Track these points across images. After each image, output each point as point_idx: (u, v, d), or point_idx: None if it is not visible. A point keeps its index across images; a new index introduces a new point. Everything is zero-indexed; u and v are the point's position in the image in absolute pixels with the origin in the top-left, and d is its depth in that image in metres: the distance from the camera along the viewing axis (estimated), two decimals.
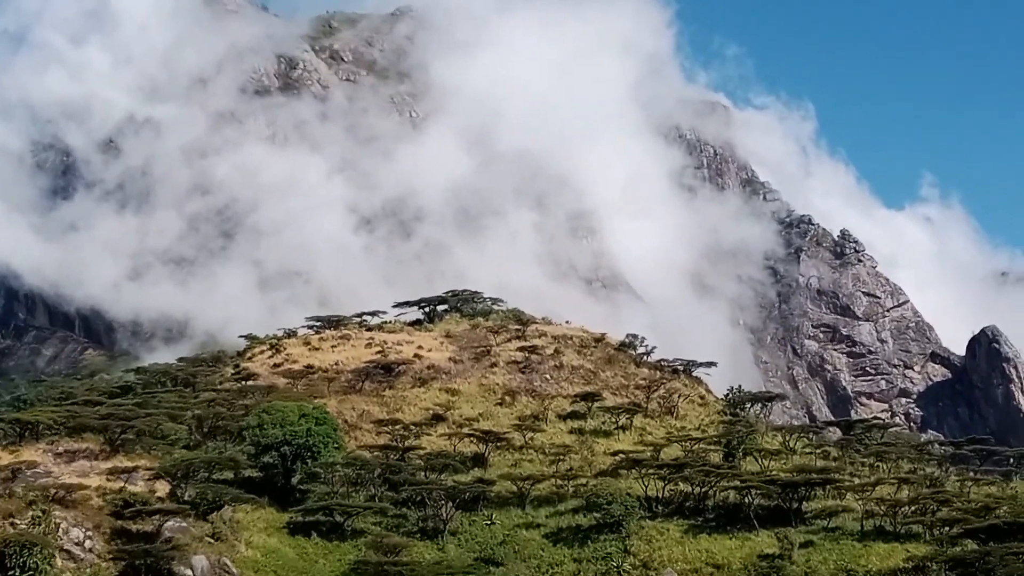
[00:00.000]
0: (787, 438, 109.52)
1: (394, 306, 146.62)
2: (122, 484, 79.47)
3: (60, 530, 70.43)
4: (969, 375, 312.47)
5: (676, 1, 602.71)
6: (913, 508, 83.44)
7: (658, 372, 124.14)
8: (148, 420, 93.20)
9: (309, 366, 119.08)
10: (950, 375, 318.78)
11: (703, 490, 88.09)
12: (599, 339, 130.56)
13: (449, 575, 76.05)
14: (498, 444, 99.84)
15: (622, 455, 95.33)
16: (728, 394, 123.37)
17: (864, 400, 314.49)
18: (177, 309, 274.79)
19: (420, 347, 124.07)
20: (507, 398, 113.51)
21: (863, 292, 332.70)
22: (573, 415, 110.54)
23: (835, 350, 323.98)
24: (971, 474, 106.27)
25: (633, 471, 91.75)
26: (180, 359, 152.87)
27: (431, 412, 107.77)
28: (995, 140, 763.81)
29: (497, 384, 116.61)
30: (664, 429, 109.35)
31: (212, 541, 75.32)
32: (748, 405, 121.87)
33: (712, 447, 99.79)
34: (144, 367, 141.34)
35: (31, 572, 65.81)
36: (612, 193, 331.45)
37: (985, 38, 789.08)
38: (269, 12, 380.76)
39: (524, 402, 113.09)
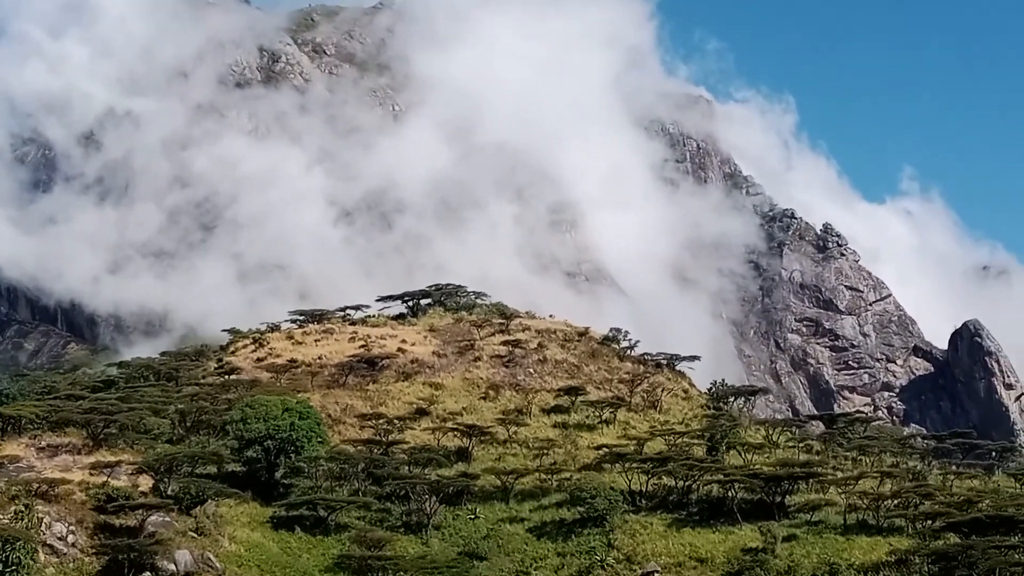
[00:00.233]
0: (770, 432, 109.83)
1: (377, 300, 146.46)
2: (105, 479, 79.18)
3: (43, 525, 70.30)
4: (951, 369, 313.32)
5: None
6: (896, 502, 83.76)
7: (641, 366, 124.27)
8: (131, 414, 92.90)
9: (292, 360, 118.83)
10: (932, 369, 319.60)
11: (687, 484, 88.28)
12: (583, 333, 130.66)
13: (433, 569, 76.03)
14: (482, 438, 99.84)
15: (606, 449, 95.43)
16: (711, 388, 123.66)
17: (847, 394, 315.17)
18: (156, 302, 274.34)
19: (404, 341, 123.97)
20: (491, 392, 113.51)
21: (846, 286, 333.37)
22: (557, 409, 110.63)
23: (818, 344, 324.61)
24: (954, 468, 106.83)
25: (617, 465, 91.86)
26: (163, 353, 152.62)
27: (415, 406, 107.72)
28: (974, 133, 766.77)
29: (481, 378, 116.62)
30: (648, 423, 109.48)
31: (195, 536, 75.16)
32: (731, 399, 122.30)
33: (695, 441, 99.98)
34: (127, 361, 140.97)
35: (14, 567, 65.58)
36: (593, 186, 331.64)
37: (964, 32, 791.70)
38: (249, 4, 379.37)
39: (508, 396, 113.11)
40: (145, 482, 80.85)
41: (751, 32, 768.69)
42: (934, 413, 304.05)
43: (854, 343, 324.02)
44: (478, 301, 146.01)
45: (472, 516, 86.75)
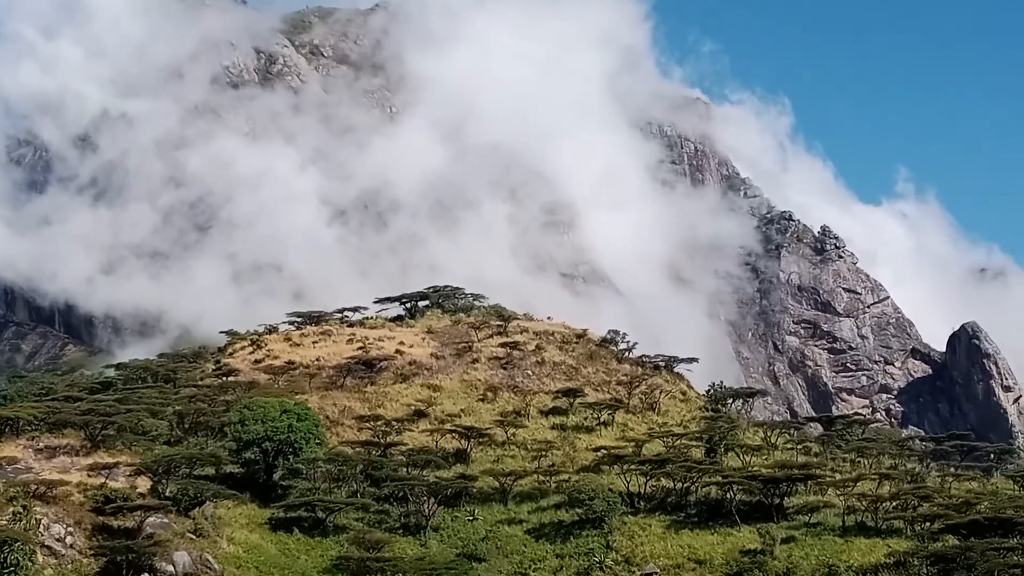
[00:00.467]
0: (768, 434, 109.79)
1: (375, 302, 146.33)
2: (103, 480, 79.16)
3: (41, 526, 70.27)
4: (949, 371, 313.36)
5: None
6: (894, 504, 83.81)
7: (640, 368, 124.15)
8: (129, 416, 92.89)
9: (290, 362, 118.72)
10: (930, 371, 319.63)
11: (685, 486, 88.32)
12: (581, 335, 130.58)
13: (432, 571, 75.96)
14: (480, 440, 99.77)
15: (604, 451, 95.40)
16: (710, 390, 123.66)
17: (845, 396, 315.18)
18: (151, 303, 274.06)
19: (402, 343, 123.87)
20: (489, 394, 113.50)
21: (844, 288, 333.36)
22: (555, 411, 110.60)
23: (816, 346, 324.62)
24: (952, 470, 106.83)
25: (615, 467, 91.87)
26: (161, 355, 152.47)
27: (413, 408, 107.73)
28: (969, 134, 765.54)
29: (479, 380, 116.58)
30: (646, 425, 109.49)
31: (194, 537, 75.14)
32: (730, 401, 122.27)
33: (694, 443, 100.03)
34: (125, 363, 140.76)
35: (12, 568, 65.54)
36: (588, 186, 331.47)
37: (958, 33, 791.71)
38: (245, 4, 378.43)
39: (506, 398, 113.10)
40: (143, 483, 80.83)
41: (746, 33, 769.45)
42: (932, 415, 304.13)
43: (852, 345, 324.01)
44: (476, 303, 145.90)
45: (470, 518, 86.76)
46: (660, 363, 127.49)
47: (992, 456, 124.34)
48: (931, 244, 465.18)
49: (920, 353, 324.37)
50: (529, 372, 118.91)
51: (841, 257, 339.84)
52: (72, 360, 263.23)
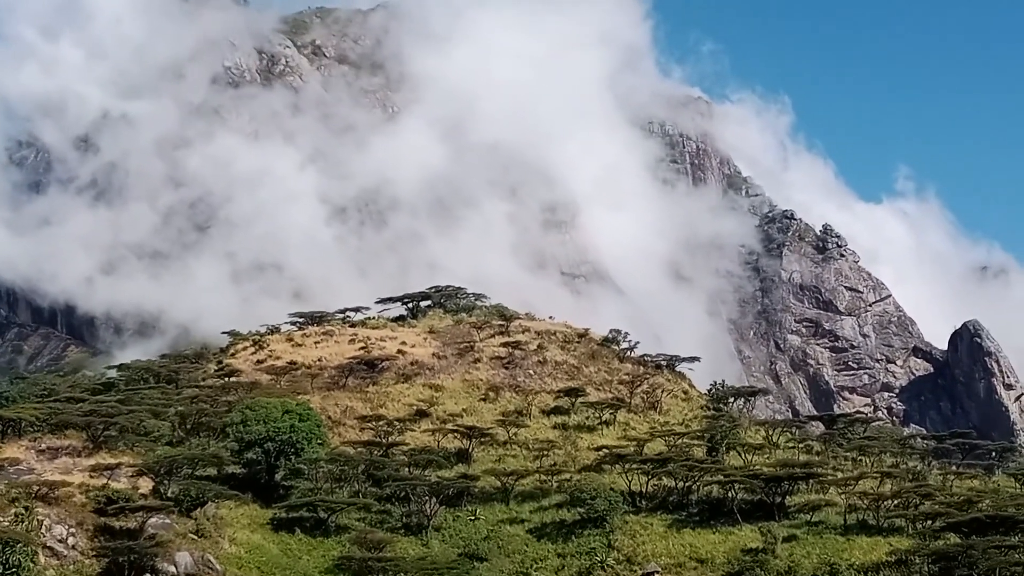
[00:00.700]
0: (770, 433, 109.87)
1: (377, 302, 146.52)
2: (105, 481, 79.17)
3: (43, 527, 70.30)
4: (951, 369, 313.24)
5: None
6: (896, 502, 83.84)
7: (641, 367, 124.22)
8: (131, 417, 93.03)
9: (292, 362, 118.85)
10: (932, 369, 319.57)
11: (687, 485, 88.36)
12: (582, 334, 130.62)
13: (433, 570, 76.00)
14: (482, 440, 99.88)
15: (606, 450, 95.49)
16: (711, 389, 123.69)
17: (847, 394, 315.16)
18: (150, 303, 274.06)
19: (403, 343, 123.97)
20: (491, 394, 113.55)
21: (845, 287, 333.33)
22: (557, 410, 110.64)
23: (818, 345, 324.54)
24: (953, 468, 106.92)
25: (617, 466, 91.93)
26: (163, 356, 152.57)
27: (415, 408, 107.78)
28: (969, 132, 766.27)
29: (481, 380, 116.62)
30: (648, 424, 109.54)
31: (195, 538, 75.21)
32: (731, 400, 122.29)
33: (695, 442, 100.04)
34: (127, 364, 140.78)
35: (14, 569, 65.56)
36: (588, 185, 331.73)
37: (958, 31, 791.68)
38: (245, 4, 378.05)
39: (508, 398, 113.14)
40: (145, 484, 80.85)
41: (746, 32, 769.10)
42: (934, 413, 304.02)
43: (854, 344, 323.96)
44: (478, 303, 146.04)
45: (472, 517, 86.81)
46: (662, 362, 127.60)
47: (993, 454, 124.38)
48: (932, 242, 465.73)
49: (922, 351, 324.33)
50: (531, 372, 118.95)
51: (843, 256, 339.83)
52: (74, 361, 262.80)
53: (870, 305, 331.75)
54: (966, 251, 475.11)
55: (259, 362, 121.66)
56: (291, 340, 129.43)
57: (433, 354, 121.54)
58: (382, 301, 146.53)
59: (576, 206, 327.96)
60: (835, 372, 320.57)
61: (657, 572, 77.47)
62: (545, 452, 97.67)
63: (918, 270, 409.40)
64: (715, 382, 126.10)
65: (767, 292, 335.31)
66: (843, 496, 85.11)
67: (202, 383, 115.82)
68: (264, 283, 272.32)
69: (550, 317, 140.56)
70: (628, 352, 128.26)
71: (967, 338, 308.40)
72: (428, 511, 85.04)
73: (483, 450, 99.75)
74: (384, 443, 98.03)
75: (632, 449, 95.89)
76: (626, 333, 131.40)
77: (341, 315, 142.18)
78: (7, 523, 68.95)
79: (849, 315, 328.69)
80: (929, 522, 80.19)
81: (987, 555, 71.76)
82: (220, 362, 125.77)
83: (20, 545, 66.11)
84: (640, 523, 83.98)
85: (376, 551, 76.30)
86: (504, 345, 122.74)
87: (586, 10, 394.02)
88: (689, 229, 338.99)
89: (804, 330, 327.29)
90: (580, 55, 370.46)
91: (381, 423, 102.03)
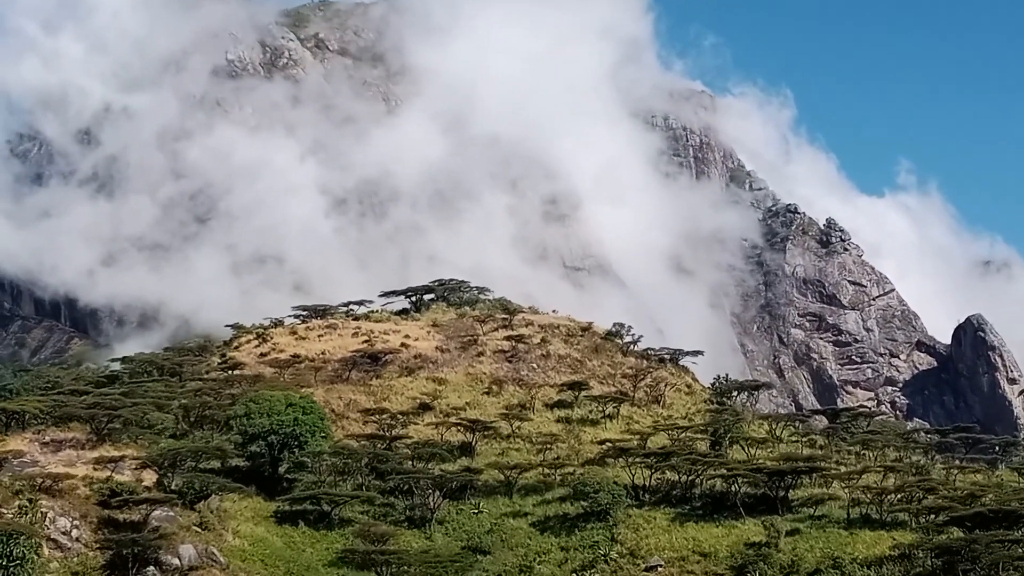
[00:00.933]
0: (773, 427, 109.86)
1: (380, 295, 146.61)
2: (109, 473, 79.27)
3: (47, 519, 70.36)
4: (955, 363, 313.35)
5: None
6: (899, 496, 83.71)
7: (645, 361, 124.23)
8: (135, 409, 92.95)
9: (296, 355, 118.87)
10: (936, 364, 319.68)
11: (690, 478, 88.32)
12: (586, 328, 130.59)
13: (437, 563, 76.12)
14: (485, 433, 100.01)
15: (609, 444, 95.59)
16: (715, 383, 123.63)
17: (850, 388, 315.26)
18: (151, 294, 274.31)
19: (407, 336, 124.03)
20: (494, 387, 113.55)
21: (849, 281, 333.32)
22: (560, 404, 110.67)
23: (821, 339, 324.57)
24: (957, 462, 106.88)
25: (620, 460, 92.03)
26: (166, 348, 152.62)
27: (418, 401, 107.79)
28: (971, 126, 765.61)
29: (484, 373, 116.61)
30: (651, 418, 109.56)
31: (199, 530, 75.26)
32: (734, 394, 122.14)
33: (699, 436, 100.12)
34: (130, 356, 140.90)
35: (18, 561, 65.60)
36: (589, 178, 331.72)
37: (959, 23, 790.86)
38: None
39: (511, 391, 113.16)
40: (149, 477, 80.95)
41: (747, 26, 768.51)
42: (937, 408, 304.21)
43: (857, 338, 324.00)
44: (481, 296, 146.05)
45: (476, 511, 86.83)
46: (665, 356, 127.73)
47: (997, 448, 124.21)
48: (934, 236, 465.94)
49: (925, 346, 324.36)
50: (534, 365, 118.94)
51: (847, 250, 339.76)
52: (77, 354, 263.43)
53: (874, 299, 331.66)
54: (968, 245, 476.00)
55: (263, 355, 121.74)
56: (294, 333, 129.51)
57: (436, 348, 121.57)
58: (385, 294, 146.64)
59: (577, 199, 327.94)
60: (838, 366, 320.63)
61: (660, 566, 77.53)
62: (548, 446, 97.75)
63: (921, 264, 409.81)
64: (718, 376, 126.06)
65: (770, 286, 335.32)
66: (846, 490, 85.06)
67: (206, 376, 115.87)
68: (264, 275, 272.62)
69: (553, 311, 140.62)
70: (631, 346, 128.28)
71: (970, 332, 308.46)
72: (431, 504, 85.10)
73: (486, 443, 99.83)
74: (388, 436, 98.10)
75: (635, 443, 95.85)
76: (629, 327, 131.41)
77: (344, 308, 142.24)
78: (11, 515, 69.05)
79: (852, 309, 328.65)
80: (932, 516, 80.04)
81: (990, 549, 71.70)
82: (224, 355, 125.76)
83: (24, 537, 66.14)
84: (643, 517, 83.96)
85: (380, 544, 76.40)
86: (507, 339, 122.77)
87: (587, 4, 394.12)
88: (691, 222, 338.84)
89: (807, 324, 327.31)
90: (581, 49, 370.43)
91: (384, 416, 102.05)
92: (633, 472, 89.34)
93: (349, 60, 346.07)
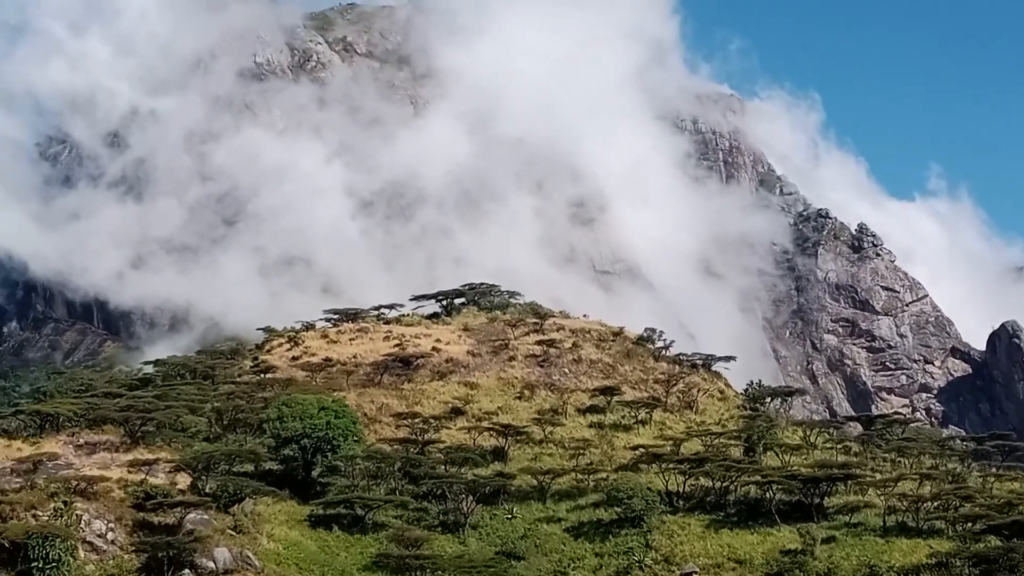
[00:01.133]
0: (808, 433, 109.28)
1: (411, 299, 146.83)
2: (143, 476, 79.34)
3: (82, 522, 70.54)
4: (990, 370, 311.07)
5: None
6: (935, 504, 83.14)
7: (677, 366, 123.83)
8: (168, 412, 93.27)
9: (328, 359, 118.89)
10: (970, 370, 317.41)
11: (724, 485, 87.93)
12: (617, 333, 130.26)
13: (471, 568, 75.89)
14: (518, 438, 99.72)
15: (642, 449, 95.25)
16: (748, 389, 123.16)
17: (884, 395, 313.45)
18: (179, 297, 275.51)
19: (438, 340, 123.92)
20: (526, 392, 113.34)
21: (882, 286, 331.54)
22: (592, 409, 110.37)
23: (854, 345, 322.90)
24: (993, 470, 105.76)
25: (653, 465, 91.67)
26: (199, 351, 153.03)
27: (450, 406, 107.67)
28: (1002, 130, 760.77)
29: (516, 378, 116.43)
30: (684, 423, 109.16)
31: (233, 533, 75.34)
32: (768, 399, 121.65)
33: (732, 442, 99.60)
34: (163, 359, 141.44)
35: (54, 564, 65.90)
36: (615, 179, 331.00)
37: (991, 27, 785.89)
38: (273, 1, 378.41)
39: (543, 396, 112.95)
40: (183, 480, 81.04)
41: (774, 29, 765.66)
42: (973, 415, 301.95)
43: (891, 344, 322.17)
44: (512, 300, 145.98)
45: (509, 516, 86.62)
46: (697, 361, 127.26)
47: None
48: (965, 241, 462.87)
49: (960, 352, 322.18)
50: (566, 370, 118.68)
51: (879, 255, 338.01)
52: (110, 356, 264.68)
53: (907, 305, 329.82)
54: (1000, 251, 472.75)
55: (295, 359, 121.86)
56: (326, 337, 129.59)
57: (468, 352, 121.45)
58: (416, 298, 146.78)
59: (603, 200, 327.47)
60: (872, 372, 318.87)
61: (695, 572, 77.09)
62: (581, 451, 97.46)
63: (952, 270, 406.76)
64: (751, 382, 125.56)
65: (802, 291, 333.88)
66: (882, 497, 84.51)
67: (238, 379, 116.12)
68: (292, 277, 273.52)
69: (584, 315, 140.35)
70: (663, 351, 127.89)
71: (1005, 339, 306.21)
72: (465, 509, 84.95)
73: (519, 448, 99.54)
74: (420, 440, 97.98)
75: (668, 448, 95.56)
76: (661, 332, 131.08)
77: (375, 312, 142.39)
78: (47, 518, 69.31)
79: (886, 315, 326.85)
80: (969, 524, 79.53)
81: None
82: (256, 358, 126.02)
83: (60, 540, 66.45)
84: (677, 523, 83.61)
85: (413, 548, 76.30)
86: (539, 343, 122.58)
87: (613, 5, 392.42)
88: (719, 226, 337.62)
89: (840, 330, 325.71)
90: (607, 50, 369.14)
91: (417, 420, 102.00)
92: (667, 478, 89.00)
93: (375, 62, 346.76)
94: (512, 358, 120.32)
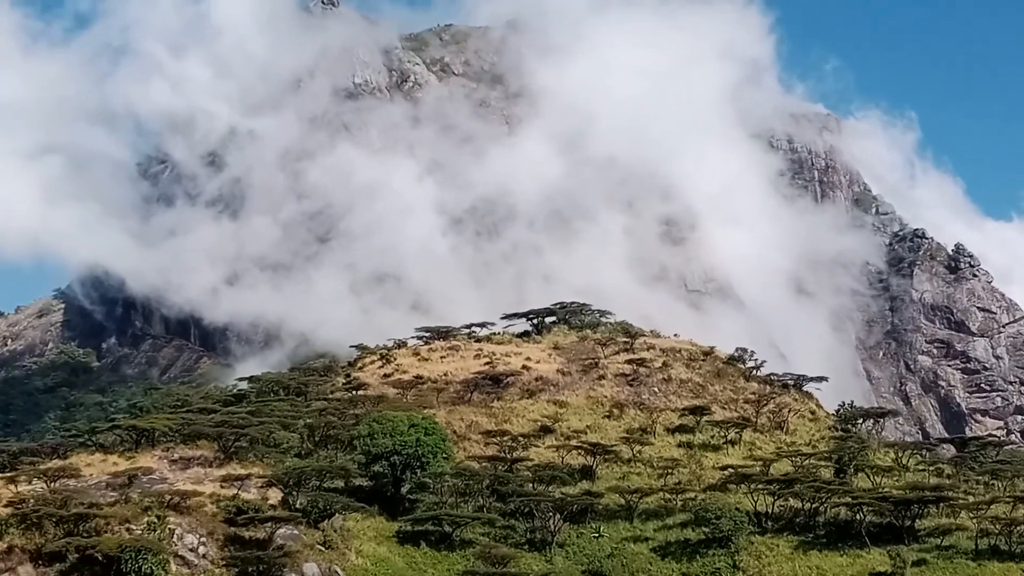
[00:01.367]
0: (900, 455, 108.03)
1: (502, 318, 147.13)
2: (235, 491, 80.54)
3: (175, 536, 71.71)
4: None
5: (777, 7, 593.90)
6: None
7: (768, 386, 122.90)
8: (261, 428, 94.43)
9: (418, 376, 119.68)
10: None
11: (814, 506, 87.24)
12: (708, 352, 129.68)
13: None
14: (606, 457, 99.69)
15: (731, 469, 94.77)
16: (839, 410, 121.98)
17: (979, 417, 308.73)
18: (272, 313, 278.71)
19: (528, 359, 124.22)
20: (615, 411, 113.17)
21: (978, 307, 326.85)
22: (681, 429, 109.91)
23: (949, 366, 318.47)
24: None
25: (742, 486, 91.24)
26: (292, 368, 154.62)
27: (539, 424, 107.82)
28: None
29: (605, 397, 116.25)
30: (774, 444, 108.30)
31: (323, 549, 76.14)
32: (860, 421, 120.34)
33: (823, 463, 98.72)
34: (257, 376, 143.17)
35: None
36: (707, 198, 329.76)
37: None
38: (371, 22, 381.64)
39: (632, 415, 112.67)
40: (274, 495, 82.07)
41: (870, 49, 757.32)
42: None
43: (987, 365, 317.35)
44: (602, 319, 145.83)
45: (596, 534, 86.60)
46: (788, 382, 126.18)
47: None
48: None
49: None
50: (655, 389, 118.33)
51: (976, 276, 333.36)
52: (205, 372, 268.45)
53: (1003, 326, 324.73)
54: None
55: (386, 376, 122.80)
56: (417, 354, 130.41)
57: (558, 370, 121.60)
58: (507, 317, 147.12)
59: (693, 219, 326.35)
60: (967, 394, 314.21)
61: None
62: (669, 470, 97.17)
63: None
64: (843, 402, 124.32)
65: (896, 311, 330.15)
66: (975, 520, 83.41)
67: (330, 396, 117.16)
68: (383, 294, 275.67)
69: (675, 335, 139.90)
70: (754, 371, 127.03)
71: None
72: (552, 527, 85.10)
73: (607, 467, 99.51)
74: (508, 458, 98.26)
75: (758, 469, 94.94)
76: (752, 352, 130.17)
77: (466, 330, 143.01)
78: (140, 532, 70.55)
79: (982, 336, 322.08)
80: None
81: None
82: (348, 375, 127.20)
83: (152, 553, 67.59)
84: (766, 544, 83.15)
85: (500, 566, 76.56)
86: (629, 362, 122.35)
87: (708, 25, 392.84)
88: (811, 245, 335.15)
89: (935, 351, 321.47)
90: (701, 69, 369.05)
91: (505, 438, 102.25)
92: (755, 499, 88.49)
93: (470, 82, 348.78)
94: (601, 377, 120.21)
